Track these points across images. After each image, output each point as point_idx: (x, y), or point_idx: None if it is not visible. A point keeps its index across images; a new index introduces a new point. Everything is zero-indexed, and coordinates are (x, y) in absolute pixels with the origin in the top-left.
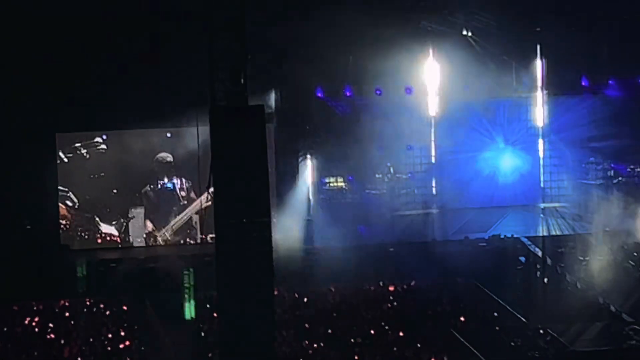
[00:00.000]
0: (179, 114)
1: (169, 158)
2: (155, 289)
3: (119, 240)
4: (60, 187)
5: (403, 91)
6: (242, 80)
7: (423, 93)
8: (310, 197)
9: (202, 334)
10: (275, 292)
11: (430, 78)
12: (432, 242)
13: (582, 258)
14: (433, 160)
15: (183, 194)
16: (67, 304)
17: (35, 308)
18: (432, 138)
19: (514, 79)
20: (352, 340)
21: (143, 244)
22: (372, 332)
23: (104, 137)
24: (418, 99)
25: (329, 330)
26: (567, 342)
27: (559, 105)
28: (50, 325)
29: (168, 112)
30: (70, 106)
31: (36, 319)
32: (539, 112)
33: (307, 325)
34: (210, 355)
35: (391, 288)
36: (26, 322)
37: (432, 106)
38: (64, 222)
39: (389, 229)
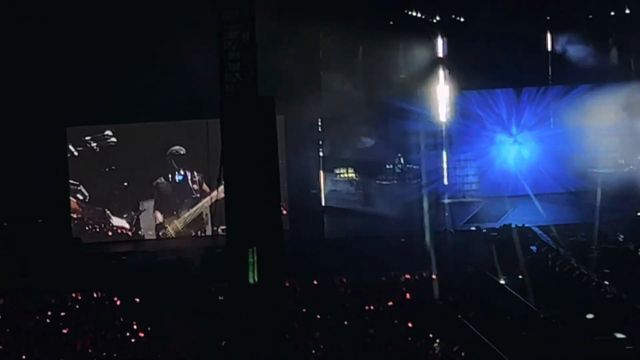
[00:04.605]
0: (190, 107)
1: (182, 151)
2: (166, 281)
3: (130, 233)
4: (71, 181)
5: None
6: (253, 72)
7: (432, 84)
8: (321, 188)
9: (213, 325)
10: (287, 284)
11: (440, 68)
12: (443, 232)
13: (594, 247)
14: (444, 150)
15: (195, 186)
16: (78, 297)
17: (47, 301)
18: (444, 128)
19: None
20: (364, 331)
21: (154, 237)
22: (383, 322)
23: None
24: (428, 89)
25: (341, 322)
26: (578, 331)
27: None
28: (62, 318)
29: (179, 105)
30: (81, 99)
31: (48, 313)
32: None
33: (318, 316)
34: (222, 345)
35: (402, 278)
36: (37, 316)
37: (443, 95)
38: (75, 215)
39: (400, 219)
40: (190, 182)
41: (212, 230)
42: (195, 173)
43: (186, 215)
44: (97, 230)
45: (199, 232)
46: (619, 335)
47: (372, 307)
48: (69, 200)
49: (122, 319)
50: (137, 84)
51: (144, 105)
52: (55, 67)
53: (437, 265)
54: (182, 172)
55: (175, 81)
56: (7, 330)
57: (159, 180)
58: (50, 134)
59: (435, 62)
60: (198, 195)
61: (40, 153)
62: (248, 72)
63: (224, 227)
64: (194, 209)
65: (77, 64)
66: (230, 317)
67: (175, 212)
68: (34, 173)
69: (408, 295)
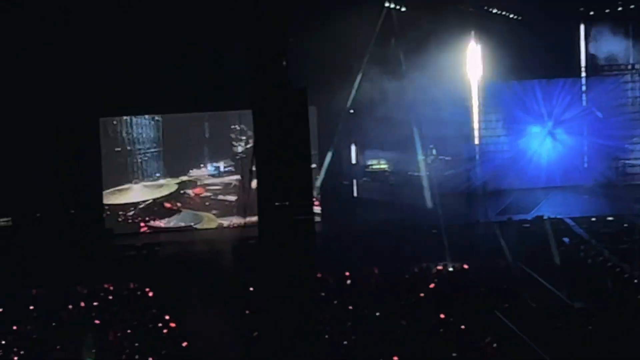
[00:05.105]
0: (223, 97)
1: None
2: (198, 272)
3: (162, 224)
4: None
5: (444, 73)
6: (284, 62)
7: (465, 74)
8: (353, 179)
9: (245, 316)
10: (318, 275)
11: (472, 59)
12: (475, 223)
13: (626, 239)
14: (476, 141)
15: (228, 178)
16: (111, 288)
17: (79, 292)
18: (475, 119)
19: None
20: (396, 322)
21: (184, 228)
22: (415, 314)
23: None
24: (460, 80)
25: (372, 313)
26: (611, 323)
27: (601, 85)
28: (95, 309)
29: (211, 95)
30: (113, 90)
31: (81, 304)
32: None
33: (350, 307)
34: (254, 335)
35: (434, 270)
36: (70, 306)
37: (475, 86)
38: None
39: (431, 210)
40: (222, 172)
41: (244, 222)
42: (227, 163)
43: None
44: (129, 221)
45: (231, 223)
46: None
47: (403, 298)
48: (102, 191)
49: (154, 310)
50: (170, 73)
51: (176, 95)
52: (88, 57)
53: (469, 256)
54: (216, 163)
55: (209, 71)
56: (41, 320)
57: (191, 172)
58: (83, 125)
59: (468, 52)
60: (230, 185)
61: (73, 144)
62: (280, 63)
63: (255, 218)
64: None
65: (110, 53)
66: (261, 308)
67: (207, 204)
68: (66, 164)
69: (440, 287)
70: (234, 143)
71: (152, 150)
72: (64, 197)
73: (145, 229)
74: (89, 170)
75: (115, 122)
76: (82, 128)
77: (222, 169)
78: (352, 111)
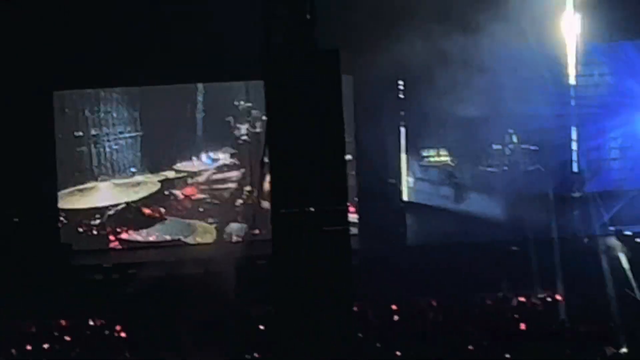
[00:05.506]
0: (223, 63)
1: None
2: (188, 303)
3: (139, 237)
4: None
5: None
6: (309, 16)
7: (559, 40)
8: (403, 176)
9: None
10: (355, 308)
11: (568, 22)
12: (571, 237)
13: None
14: (572, 125)
15: (229, 173)
16: (68, 325)
17: (25, 330)
18: (572, 95)
19: None
20: None
21: (171, 241)
22: None
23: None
24: (552, 47)
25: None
26: None
27: None
28: (46, 353)
29: (207, 60)
30: (72, 53)
31: (27, 347)
32: None
33: (398, 353)
34: None
35: (514, 302)
36: (13, 350)
37: (571, 55)
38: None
39: (510, 221)
40: (220, 166)
41: (252, 234)
42: (228, 154)
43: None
44: (95, 232)
45: (231, 237)
46: None
47: (471, 341)
48: (56, 191)
49: (127, 355)
50: (147, 32)
51: (156, 62)
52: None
53: (563, 283)
54: (212, 154)
55: (202, 28)
56: None
57: (179, 165)
58: (31, 99)
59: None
60: (232, 184)
61: (17, 126)
62: (302, 16)
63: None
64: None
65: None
66: (276, 354)
67: (202, 209)
68: (7, 154)
69: (523, 325)
70: (238, 125)
71: (126, 135)
72: (3, 200)
73: (117, 243)
74: (39, 162)
75: (74, 97)
76: (30, 104)
77: (221, 161)
78: (401, 82)
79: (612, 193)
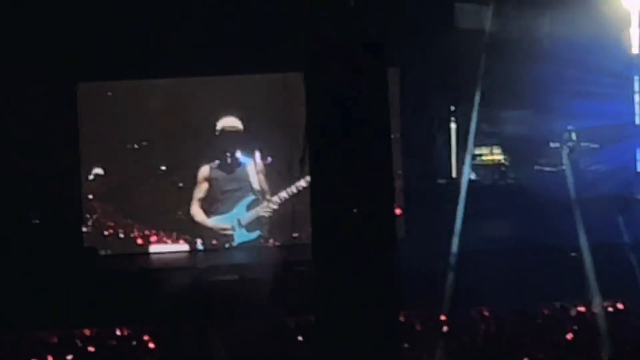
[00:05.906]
0: (258, 54)
1: (238, 125)
2: (223, 312)
3: (169, 240)
4: None
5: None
6: (355, 7)
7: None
8: (454, 176)
9: None
10: (401, 318)
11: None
12: (634, 243)
13: None
14: (638, 120)
15: (262, 175)
16: (91, 335)
17: (45, 341)
18: (636, 90)
19: None
20: None
21: (203, 247)
22: None
23: None
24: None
25: None
26: None
27: None
28: None
29: (241, 51)
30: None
31: (49, 358)
32: None
33: None
34: None
35: (574, 312)
36: None
37: (636, 47)
38: (88, 215)
39: (569, 225)
40: (254, 167)
41: (291, 238)
42: (261, 154)
43: (250, 215)
44: (122, 236)
45: (269, 241)
46: None
47: (528, 354)
48: (80, 193)
49: None
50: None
51: (180, 53)
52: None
53: (627, 292)
54: (244, 154)
55: (232, 15)
56: None
57: (206, 167)
58: (57, 94)
59: None
60: (265, 186)
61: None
62: (346, 6)
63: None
64: (260, 206)
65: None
66: None
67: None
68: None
69: (582, 336)
70: None
71: None
72: (22, 201)
73: (145, 247)
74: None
75: (109, 94)
76: (56, 97)
77: (257, 158)
78: (452, 75)
79: None
